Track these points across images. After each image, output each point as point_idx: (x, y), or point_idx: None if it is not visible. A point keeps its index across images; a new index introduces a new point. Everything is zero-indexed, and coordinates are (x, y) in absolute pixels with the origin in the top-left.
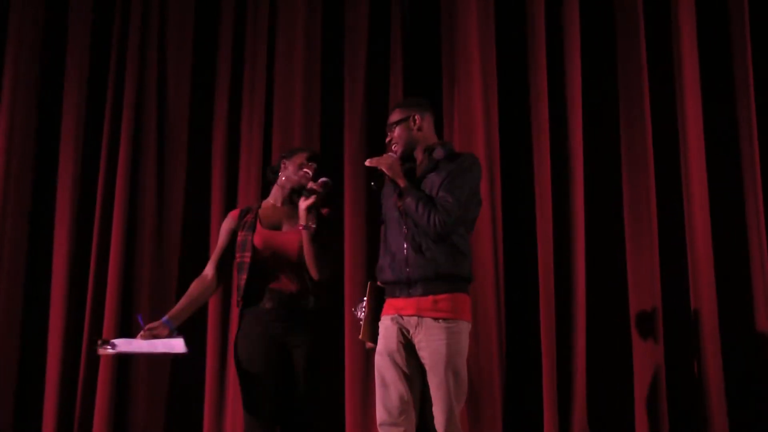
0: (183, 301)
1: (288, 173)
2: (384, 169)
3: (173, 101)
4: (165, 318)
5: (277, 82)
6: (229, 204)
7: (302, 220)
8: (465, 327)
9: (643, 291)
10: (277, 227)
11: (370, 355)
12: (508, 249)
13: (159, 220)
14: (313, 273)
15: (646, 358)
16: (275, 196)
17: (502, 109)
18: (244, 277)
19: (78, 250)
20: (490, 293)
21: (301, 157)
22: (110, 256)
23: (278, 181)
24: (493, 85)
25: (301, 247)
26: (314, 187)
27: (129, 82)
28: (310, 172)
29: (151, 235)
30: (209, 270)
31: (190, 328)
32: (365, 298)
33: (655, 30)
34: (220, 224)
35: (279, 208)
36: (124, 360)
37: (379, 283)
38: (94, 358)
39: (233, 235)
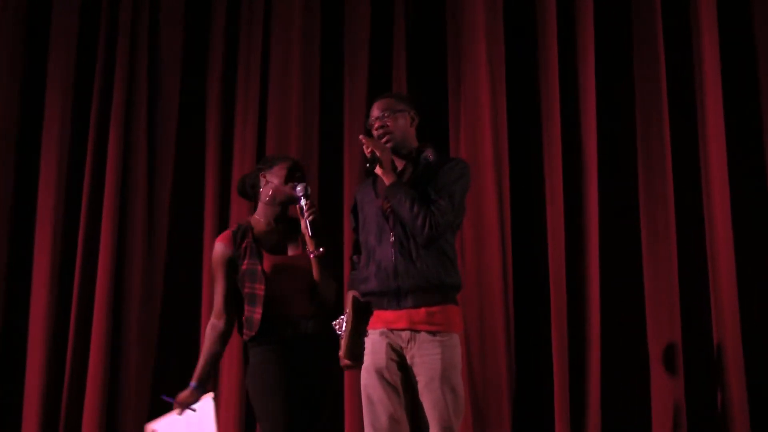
0: (204, 360)
1: (274, 188)
2: (378, 154)
3: (164, 100)
4: (193, 384)
5: (272, 83)
6: (223, 206)
7: (310, 247)
8: (458, 340)
9: (661, 305)
10: (281, 251)
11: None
12: (517, 257)
13: (149, 222)
14: (328, 297)
15: (664, 383)
16: (265, 214)
17: (510, 110)
18: (259, 310)
19: (62, 252)
20: (498, 304)
21: (283, 168)
22: (99, 258)
23: (263, 199)
24: (501, 83)
25: (310, 271)
26: (309, 206)
27: (118, 82)
28: (302, 190)
29: (141, 240)
30: (220, 320)
31: (184, 330)
32: (345, 312)
33: (673, 29)
34: (212, 227)
35: (274, 228)
36: (114, 360)
37: (359, 297)
38: (82, 364)
39: (231, 265)
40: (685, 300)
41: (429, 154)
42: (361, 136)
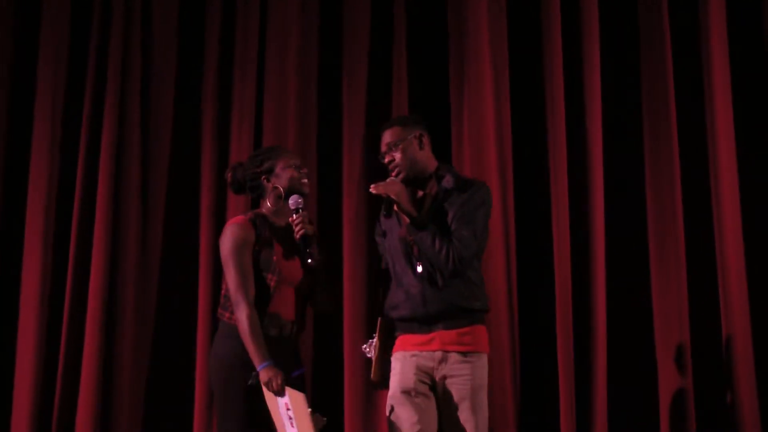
0: (258, 342)
1: (281, 181)
2: (392, 197)
3: (158, 99)
4: (266, 363)
5: (268, 81)
6: (219, 208)
7: (309, 256)
8: (486, 360)
9: (670, 308)
10: (286, 248)
11: (369, 380)
12: (522, 268)
13: (144, 224)
14: (321, 305)
15: (672, 388)
16: (272, 212)
17: (515, 113)
18: (268, 300)
19: (54, 256)
20: (503, 318)
21: (287, 170)
22: (92, 262)
23: (272, 204)
24: (505, 85)
25: (308, 275)
26: (298, 221)
27: (110, 82)
28: (294, 204)
29: (136, 242)
30: (252, 310)
31: (180, 333)
32: (375, 336)
33: (681, 28)
34: (208, 229)
35: (277, 225)
36: (108, 359)
37: (386, 319)
38: (75, 369)
39: (251, 248)
40: (693, 301)
41: (448, 182)
42: (371, 188)
